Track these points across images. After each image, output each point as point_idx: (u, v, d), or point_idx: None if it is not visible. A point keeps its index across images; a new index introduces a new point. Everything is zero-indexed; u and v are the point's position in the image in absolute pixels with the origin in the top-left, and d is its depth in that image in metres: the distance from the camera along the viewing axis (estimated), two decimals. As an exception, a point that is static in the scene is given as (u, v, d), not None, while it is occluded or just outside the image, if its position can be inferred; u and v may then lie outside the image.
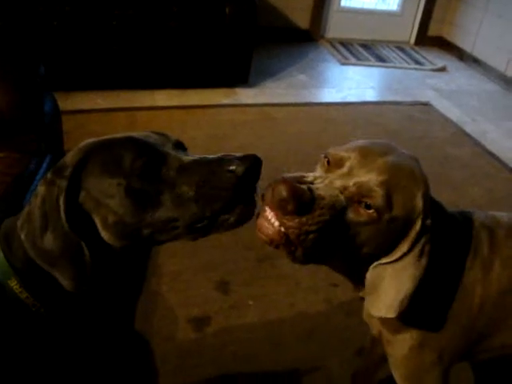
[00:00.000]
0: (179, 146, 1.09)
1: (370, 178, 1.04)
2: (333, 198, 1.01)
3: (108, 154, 1.00)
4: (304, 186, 0.98)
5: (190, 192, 0.98)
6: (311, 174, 1.07)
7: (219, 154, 1.03)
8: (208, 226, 1.00)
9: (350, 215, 1.02)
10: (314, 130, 3.69)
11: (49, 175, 0.99)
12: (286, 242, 0.99)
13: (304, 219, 0.97)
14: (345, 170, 1.07)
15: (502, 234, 1.24)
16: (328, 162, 1.10)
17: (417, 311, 1.18)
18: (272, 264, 2.41)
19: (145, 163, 0.98)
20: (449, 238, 1.19)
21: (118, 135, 1.04)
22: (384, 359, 1.64)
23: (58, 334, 1.05)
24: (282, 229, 0.98)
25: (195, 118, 3.66)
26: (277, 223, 0.98)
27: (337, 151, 1.10)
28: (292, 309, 2.19)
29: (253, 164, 0.98)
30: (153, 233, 1.00)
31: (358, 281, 1.18)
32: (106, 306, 1.10)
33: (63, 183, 0.97)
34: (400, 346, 1.27)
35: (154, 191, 0.97)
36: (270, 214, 0.99)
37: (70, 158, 1.01)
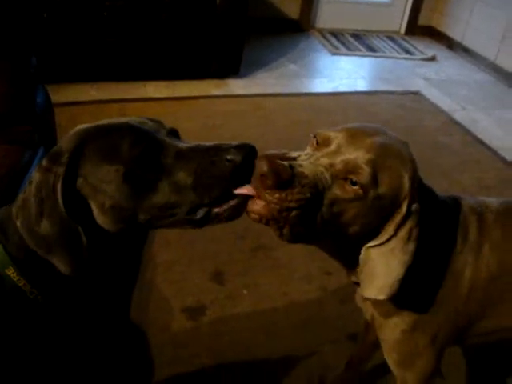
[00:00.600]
0: (173, 133, 1.10)
1: (357, 155, 1.05)
2: (316, 176, 1.02)
3: (105, 141, 1.00)
4: (285, 163, 1.00)
5: (187, 179, 0.98)
6: (297, 152, 1.09)
7: (215, 142, 1.03)
8: (205, 215, 1.01)
9: (336, 192, 1.03)
10: (305, 120, 3.70)
11: (44, 162, 0.99)
12: (273, 217, 1.00)
13: (283, 195, 0.98)
14: (332, 148, 1.08)
15: (491, 219, 1.26)
16: (317, 142, 1.12)
17: (408, 295, 1.19)
18: (266, 254, 2.43)
19: (143, 150, 0.98)
20: (439, 223, 1.20)
21: (114, 121, 1.04)
22: (377, 345, 1.66)
23: (55, 321, 1.05)
24: (264, 203, 1.00)
25: (187, 109, 3.66)
26: (259, 199, 1.00)
27: (325, 131, 1.12)
28: (286, 298, 2.21)
29: (249, 153, 1.00)
30: (150, 219, 1.00)
31: (350, 265, 1.20)
32: (103, 294, 1.10)
33: (60, 170, 0.96)
34: (392, 331, 1.28)
35: (152, 177, 0.98)
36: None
37: (65, 144, 1.00)
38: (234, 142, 1.02)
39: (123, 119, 1.05)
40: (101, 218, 1.00)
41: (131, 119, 1.05)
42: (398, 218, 1.08)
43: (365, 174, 1.03)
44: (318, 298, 2.22)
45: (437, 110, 4.16)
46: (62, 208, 0.95)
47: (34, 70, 2.06)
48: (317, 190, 1.01)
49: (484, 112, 4.23)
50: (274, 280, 2.30)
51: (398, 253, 1.08)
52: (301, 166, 1.02)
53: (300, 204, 0.99)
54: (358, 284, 1.25)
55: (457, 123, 3.98)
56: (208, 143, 1.03)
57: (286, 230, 1.02)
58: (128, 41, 3.72)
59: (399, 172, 1.07)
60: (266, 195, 0.99)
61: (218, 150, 1.00)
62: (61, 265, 0.97)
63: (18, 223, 0.98)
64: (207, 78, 4.10)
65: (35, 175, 0.99)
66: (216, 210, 1.01)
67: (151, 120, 1.09)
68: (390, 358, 1.35)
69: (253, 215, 1.02)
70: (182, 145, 1.03)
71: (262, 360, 1.95)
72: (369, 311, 1.36)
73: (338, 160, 1.05)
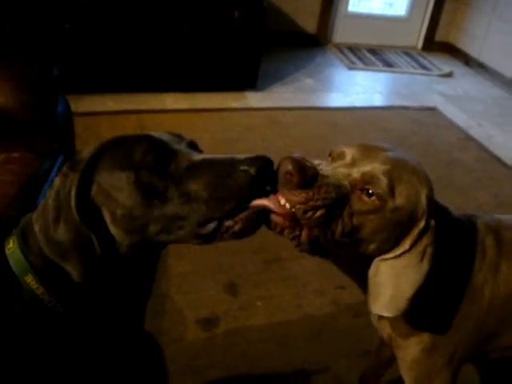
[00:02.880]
0: (193, 146, 1.10)
1: (373, 166, 1.05)
2: (338, 181, 1.02)
3: (120, 149, 1.02)
4: (308, 163, 1.00)
5: (198, 191, 0.98)
6: (316, 160, 1.08)
7: (230, 155, 1.02)
8: (215, 229, 0.99)
9: (354, 203, 1.03)
10: (321, 134, 3.71)
11: (64, 168, 1.01)
12: (291, 224, 1.00)
13: (310, 193, 0.98)
14: (347, 160, 1.08)
15: (507, 236, 1.26)
16: (332, 158, 1.12)
17: (427, 314, 1.20)
18: (280, 266, 2.43)
19: (155, 157, 0.98)
20: (456, 241, 1.20)
21: (135, 133, 1.06)
22: (391, 361, 1.66)
23: (71, 331, 1.06)
24: (288, 205, 0.99)
25: (204, 121, 3.69)
26: (283, 200, 0.99)
27: (340, 147, 1.13)
28: (299, 310, 2.21)
29: (264, 165, 0.98)
30: (160, 232, 0.99)
31: (364, 282, 1.19)
32: (118, 305, 1.11)
33: (76, 176, 0.98)
34: (411, 350, 1.27)
35: (163, 186, 0.98)
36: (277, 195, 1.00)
37: (85, 152, 1.02)
38: (250, 154, 1.00)
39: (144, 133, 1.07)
40: (113, 228, 1.00)
41: (152, 133, 1.07)
42: (414, 233, 1.07)
43: (381, 185, 1.03)
44: (331, 312, 2.22)
45: (453, 126, 4.15)
46: (76, 214, 0.96)
47: (55, 80, 2.09)
48: (340, 192, 1.01)
49: (500, 128, 4.21)
50: (288, 292, 2.30)
51: (409, 271, 1.07)
52: (322, 170, 1.03)
53: (325, 203, 0.99)
54: None
55: (473, 139, 3.97)
56: (223, 155, 1.03)
57: (303, 237, 1.02)
58: (147, 52, 3.77)
59: (416, 187, 1.07)
60: (292, 196, 0.98)
61: (232, 161, 0.99)
62: (73, 271, 0.98)
63: (37, 228, 0.99)
64: (225, 90, 4.13)
65: (56, 181, 1.01)
66: (227, 223, 0.99)
67: (171, 133, 1.10)
68: (408, 377, 1.34)
69: (274, 219, 1.01)
70: (197, 156, 1.03)
71: (275, 372, 1.95)
72: (385, 330, 1.35)
73: (355, 171, 1.05)
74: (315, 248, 1.05)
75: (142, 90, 3.90)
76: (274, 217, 1.00)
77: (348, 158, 1.09)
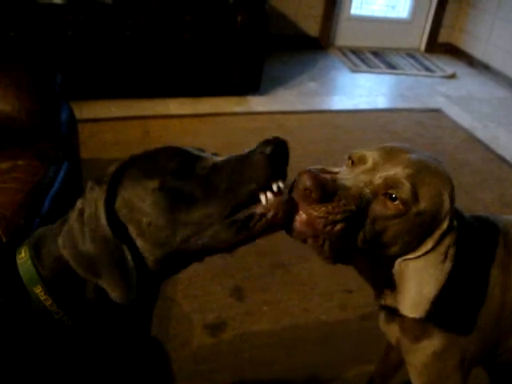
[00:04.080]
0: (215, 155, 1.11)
1: (395, 171, 1.04)
2: (359, 190, 1.01)
3: (144, 160, 1.02)
4: (327, 176, 1.00)
5: (222, 183, 0.97)
6: (336, 169, 1.08)
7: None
8: (248, 218, 0.97)
9: (377, 208, 1.02)
10: (325, 137, 3.70)
11: (88, 185, 1.01)
12: (313, 235, 0.99)
13: (330, 207, 0.97)
14: (369, 165, 1.08)
15: None
16: (352, 162, 1.11)
17: (442, 316, 1.19)
18: (286, 270, 2.43)
19: (180, 162, 0.99)
20: (468, 243, 1.19)
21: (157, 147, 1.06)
22: (400, 365, 1.65)
23: (79, 341, 1.06)
24: (308, 219, 0.98)
25: (208, 126, 3.69)
26: (304, 215, 0.99)
27: (360, 151, 1.12)
28: (307, 314, 2.20)
29: (279, 144, 0.98)
30: (190, 237, 0.98)
31: (381, 286, 1.18)
32: (126, 315, 1.11)
33: (103, 187, 0.98)
34: (421, 354, 1.26)
35: (188, 190, 0.97)
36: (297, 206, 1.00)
37: (110, 168, 1.02)
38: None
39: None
40: (140, 242, 0.99)
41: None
42: (437, 234, 1.07)
43: (405, 189, 1.02)
44: (338, 315, 2.21)
45: (457, 128, 4.15)
46: (106, 224, 0.96)
47: (58, 86, 2.09)
48: (360, 203, 1.01)
49: (505, 129, 4.20)
50: (294, 296, 2.29)
51: (432, 270, 1.07)
52: (342, 179, 1.02)
53: (345, 216, 0.98)
54: (385, 308, 1.24)
55: (478, 140, 3.96)
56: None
57: (326, 247, 1.01)
58: (150, 58, 3.77)
59: (439, 189, 1.07)
60: (311, 210, 0.98)
61: (249, 151, 1.00)
62: (110, 289, 0.97)
63: (66, 254, 0.99)
64: (228, 95, 4.13)
65: (77, 202, 1.01)
66: (258, 209, 0.97)
67: (194, 147, 1.10)
68: (418, 382, 1.32)
69: (295, 231, 1.01)
70: (218, 158, 1.04)
71: (282, 377, 1.94)
72: (394, 335, 1.34)
73: (377, 176, 1.04)
74: (338, 256, 1.04)
75: (146, 96, 3.91)
76: (298, 224, 1.00)
77: (369, 162, 1.08)
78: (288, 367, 1.97)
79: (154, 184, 0.98)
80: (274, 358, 2.00)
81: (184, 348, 1.99)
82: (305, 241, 1.02)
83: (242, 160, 0.99)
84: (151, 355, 1.88)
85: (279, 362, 1.98)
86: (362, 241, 1.03)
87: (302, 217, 0.99)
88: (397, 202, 1.02)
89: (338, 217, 0.98)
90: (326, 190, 0.97)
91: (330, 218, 0.97)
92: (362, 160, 1.10)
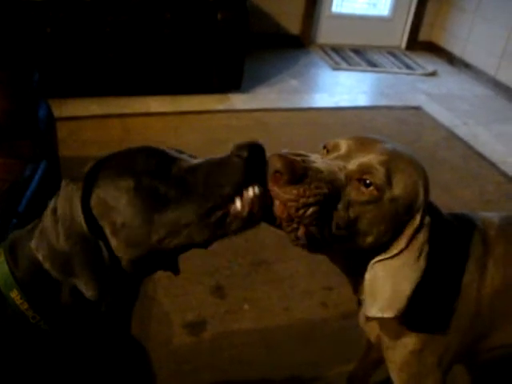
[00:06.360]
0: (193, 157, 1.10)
1: (370, 157, 1.04)
2: (332, 174, 1.01)
3: (120, 159, 1.01)
4: (298, 158, 0.99)
5: (198, 185, 0.96)
6: (311, 154, 1.07)
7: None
8: (223, 216, 0.96)
9: (351, 194, 1.02)
10: (306, 135, 3.71)
11: (63, 183, 0.99)
12: (287, 217, 0.99)
13: (301, 190, 0.96)
14: (343, 152, 1.08)
15: (493, 235, 1.25)
16: (327, 151, 1.11)
17: (417, 315, 1.19)
18: (267, 268, 2.42)
19: (156, 162, 0.98)
20: (445, 240, 1.19)
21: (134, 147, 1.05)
22: (379, 362, 1.65)
23: (56, 344, 1.05)
24: (281, 202, 0.98)
25: (189, 124, 3.68)
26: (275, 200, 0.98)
27: (335, 140, 1.12)
28: (287, 313, 2.20)
29: (255, 148, 0.98)
30: (165, 237, 0.97)
31: (358, 280, 1.18)
32: (105, 315, 1.09)
33: (79, 186, 0.97)
34: (400, 352, 1.26)
35: (164, 190, 0.96)
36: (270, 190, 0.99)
37: (85, 167, 1.01)
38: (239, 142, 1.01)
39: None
40: (114, 241, 0.98)
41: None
42: (410, 230, 1.06)
43: (379, 175, 1.02)
44: (319, 313, 2.21)
45: (437, 125, 4.17)
46: (82, 220, 0.95)
47: (36, 84, 2.07)
48: (333, 186, 1.00)
49: (485, 127, 4.24)
50: (275, 295, 2.29)
51: (407, 269, 1.06)
52: (315, 162, 1.02)
53: (317, 200, 0.97)
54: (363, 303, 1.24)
55: (457, 138, 3.99)
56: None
57: (300, 232, 1.00)
58: (130, 56, 3.75)
59: (413, 177, 1.07)
60: (282, 193, 0.97)
61: (227, 155, 0.99)
62: (85, 287, 0.96)
63: (40, 257, 0.97)
64: (209, 92, 4.12)
65: (51, 203, 0.99)
66: (233, 208, 0.96)
67: (173, 148, 1.09)
68: (398, 378, 1.32)
69: (275, 210, 0.99)
70: (196, 160, 1.03)
71: (263, 376, 1.94)
72: (373, 332, 1.34)
73: (351, 162, 1.04)
74: (312, 244, 1.03)
75: (126, 94, 3.89)
76: (275, 208, 0.99)
77: (343, 149, 1.08)
78: (269, 366, 1.97)
79: (129, 184, 0.96)
80: (255, 356, 1.99)
81: (164, 347, 1.98)
82: (279, 226, 1.01)
83: (219, 163, 0.98)
84: (131, 355, 1.86)
85: (260, 361, 1.98)
86: (336, 226, 1.02)
87: (275, 200, 0.98)
88: (371, 188, 1.02)
89: (310, 200, 0.97)
90: (296, 170, 0.96)
91: (302, 200, 0.96)
92: (337, 148, 1.10)
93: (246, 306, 2.20)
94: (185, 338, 2.03)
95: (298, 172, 0.97)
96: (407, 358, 1.26)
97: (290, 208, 0.97)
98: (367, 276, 1.11)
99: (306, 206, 0.97)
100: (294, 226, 1.00)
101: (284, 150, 1.02)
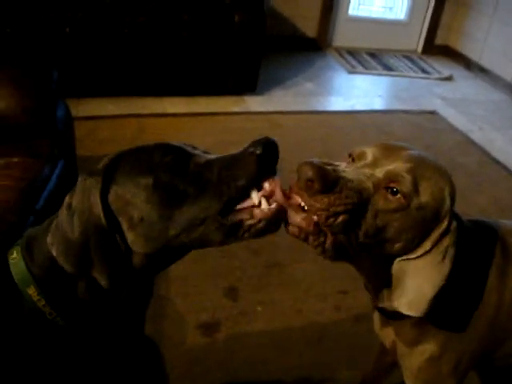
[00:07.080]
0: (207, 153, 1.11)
1: (396, 165, 1.04)
2: (360, 183, 1.01)
3: (137, 155, 1.02)
4: (329, 167, 0.99)
5: (213, 179, 0.98)
6: (337, 162, 1.08)
7: None
8: (238, 223, 0.98)
9: (379, 202, 1.02)
10: (321, 138, 3.70)
11: (81, 177, 1.00)
12: (314, 230, 0.99)
13: (332, 198, 0.96)
14: (369, 160, 1.07)
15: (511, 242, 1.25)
16: (352, 159, 1.11)
17: (438, 318, 1.18)
18: (280, 270, 2.43)
19: (173, 158, 0.99)
20: (468, 246, 1.18)
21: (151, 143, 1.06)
22: (392, 368, 1.65)
23: (72, 341, 1.06)
24: (311, 213, 0.98)
25: (204, 125, 3.69)
26: (305, 207, 0.99)
27: (360, 147, 1.12)
28: (301, 315, 2.20)
29: (270, 144, 0.99)
30: (180, 233, 0.98)
31: (381, 287, 1.18)
32: (119, 313, 1.10)
33: (97, 178, 0.98)
34: (416, 358, 1.26)
35: (182, 186, 0.97)
36: (298, 199, 1.00)
37: (102, 162, 1.02)
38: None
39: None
40: (131, 236, 0.99)
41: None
42: (436, 234, 1.06)
43: (406, 182, 1.02)
44: (333, 316, 2.20)
45: (453, 130, 4.15)
46: (101, 213, 0.96)
47: (55, 84, 2.08)
48: (362, 195, 1.00)
49: (500, 132, 4.21)
50: (289, 297, 2.29)
51: (431, 270, 1.06)
52: (344, 171, 1.02)
53: (347, 208, 0.98)
54: (381, 311, 1.24)
55: (473, 143, 3.97)
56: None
57: (328, 243, 1.00)
58: (147, 57, 3.77)
59: (440, 184, 1.07)
60: (313, 202, 0.97)
61: (241, 152, 1.00)
62: (100, 276, 0.97)
63: (54, 252, 0.98)
64: (224, 94, 4.13)
65: (66, 198, 1.01)
66: (249, 221, 0.98)
67: (187, 144, 1.10)
68: None
69: (292, 228, 1.00)
70: (211, 156, 1.04)
71: (275, 377, 1.94)
72: (389, 338, 1.34)
73: (378, 170, 1.04)
74: (339, 254, 1.03)
75: (143, 94, 3.91)
76: (299, 222, 1.00)
77: (369, 157, 1.08)
78: (281, 367, 1.97)
79: (148, 181, 0.97)
80: (268, 358, 1.99)
81: (177, 348, 1.98)
82: (306, 239, 1.01)
83: (234, 158, 1.00)
84: (145, 355, 1.87)
85: (272, 363, 1.98)
86: (364, 235, 1.02)
87: (303, 210, 0.99)
88: (398, 196, 1.02)
89: (340, 208, 0.97)
90: (328, 180, 0.97)
91: (332, 209, 0.97)
92: (363, 156, 1.10)
93: (259, 308, 2.21)
94: (198, 338, 2.04)
95: (330, 181, 0.97)
96: (423, 365, 1.26)
97: (319, 217, 0.98)
98: (393, 270, 1.11)
99: (336, 214, 0.97)
100: (321, 239, 1.00)
101: (314, 159, 1.01)
